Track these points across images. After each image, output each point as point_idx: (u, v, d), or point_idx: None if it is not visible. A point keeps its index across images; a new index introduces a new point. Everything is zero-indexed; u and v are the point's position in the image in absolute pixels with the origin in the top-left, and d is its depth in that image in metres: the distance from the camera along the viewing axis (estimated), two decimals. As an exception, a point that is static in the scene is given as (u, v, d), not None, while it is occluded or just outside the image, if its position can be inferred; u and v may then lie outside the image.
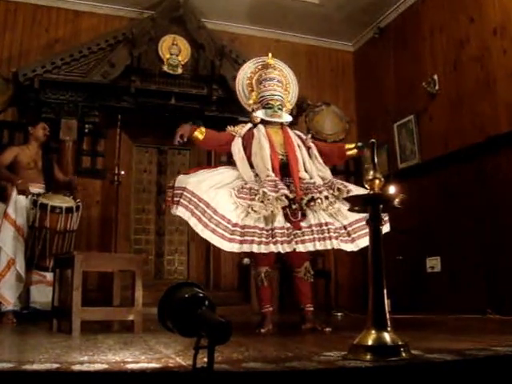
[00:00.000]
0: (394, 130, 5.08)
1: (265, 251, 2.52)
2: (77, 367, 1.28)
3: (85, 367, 1.28)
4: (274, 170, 2.72)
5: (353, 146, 3.00)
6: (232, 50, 4.95)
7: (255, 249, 2.50)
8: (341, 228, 2.63)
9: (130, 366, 1.32)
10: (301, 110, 5.19)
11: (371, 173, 1.59)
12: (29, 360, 1.43)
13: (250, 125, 2.96)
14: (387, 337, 1.46)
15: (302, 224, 2.59)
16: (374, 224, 1.58)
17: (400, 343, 1.44)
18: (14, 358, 1.53)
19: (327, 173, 2.90)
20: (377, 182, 1.58)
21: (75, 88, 4.47)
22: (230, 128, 2.98)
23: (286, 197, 2.60)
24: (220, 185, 2.64)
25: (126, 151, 4.99)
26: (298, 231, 2.56)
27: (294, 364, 1.36)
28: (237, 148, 2.87)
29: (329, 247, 2.58)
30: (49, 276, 3.50)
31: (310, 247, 2.56)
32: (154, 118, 4.88)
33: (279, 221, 2.56)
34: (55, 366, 1.30)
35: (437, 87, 4.57)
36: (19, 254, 3.39)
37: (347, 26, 5.48)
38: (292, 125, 5.17)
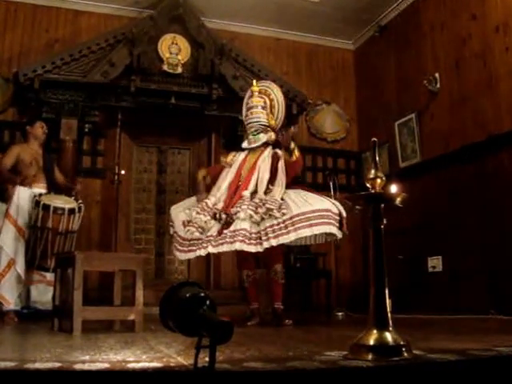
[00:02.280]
0: (394, 129, 5.07)
1: (193, 256, 3.12)
2: (78, 366, 1.28)
3: (86, 366, 1.28)
4: (230, 187, 3.26)
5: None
6: (232, 48, 4.95)
7: (183, 257, 3.16)
8: (255, 233, 3.01)
9: (131, 366, 1.32)
10: (301, 109, 5.19)
11: (372, 172, 1.58)
12: (31, 359, 1.43)
13: (239, 152, 3.44)
14: (389, 336, 1.45)
15: (225, 231, 3.04)
16: (375, 223, 1.58)
17: (401, 343, 1.44)
18: (16, 357, 1.52)
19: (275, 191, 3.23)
20: (378, 180, 1.57)
21: (75, 88, 4.47)
22: (223, 161, 3.49)
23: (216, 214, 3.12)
24: (183, 207, 3.31)
25: (126, 151, 4.99)
26: (218, 237, 3.04)
27: (295, 364, 1.35)
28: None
29: (232, 249, 3.01)
30: (49, 275, 3.50)
31: (215, 250, 3.02)
32: (154, 117, 4.88)
33: (213, 230, 3.06)
34: (57, 365, 1.30)
35: (438, 85, 4.56)
36: (19, 255, 3.38)
37: (347, 24, 5.47)
38: (292, 124, 5.22)
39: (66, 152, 4.41)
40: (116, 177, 4.38)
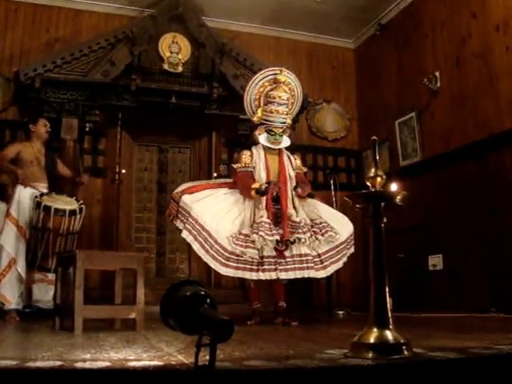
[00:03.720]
0: (395, 128, 5.07)
1: (255, 278, 2.95)
2: (80, 365, 1.29)
3: (87, 365, 1.29)
4: (266, 199, 3.05)
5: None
6: (232, 47, 4.95)
7: (247, 275, 2.94)
8: (315, 257, 3.04)
9: (132, 364, 1.32)
10: (302, 108, 5.18)
11: (373, 170, 1.58)
12: (32, 358, 1.43)
13: (253, 150, 3.22)
14: (389, 335, 1.46)
15: (286, 253, 2.98)
16: (375, 222, 1.58)
17: (402, 341, 1.44)
18: (18, 356, 1.53)
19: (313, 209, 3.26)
20: (378, 179, 1.57)
21: (76, 87, 4.47)
22: (241, 166, 3.20)
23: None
24: (222, 214, 3.01)
25: (127, 150, 4.99)
26: (282, 260, 2.96)
27: (295, 362, 1.36)
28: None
29: (305, 276, 3.00)
30: (50, 275, 3.50)
31: (291, 275, 2.97)
32: (155, 116, 4.88)
33: (267, 251, 2.96)
34: (58, 363, 1.31)
35: (438, 84, 4.55)
36: (20, 254, 3.38)
37: (348, 23, 5.47)
38: (293, 123, 5.21)
39: (67, 151, 4.41)
40: (117, 176, 4.38)
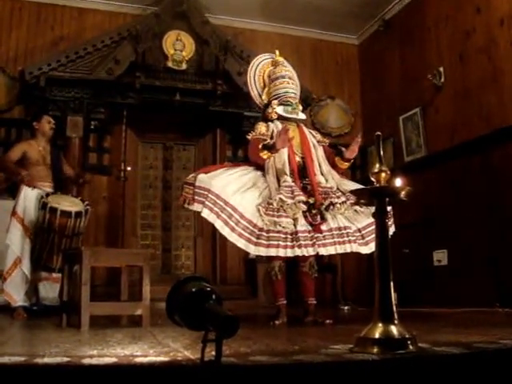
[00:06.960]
0: (399, 123, 5.05)
1: (291, 255, 2.62)
2: (87, 361, 1.30)
3: (94, 361, 1.30)
4: (292, 172, 2.81)
5: (340, 160, 2.94)
6: (236, 44, 4.95)
7: (282, 253, 2.59)
8: (356, 231, 2.74)
9: (138, 360, 1.33)
10: (306, 105, 5.18)
11: (377, 166, 1.58)
12: (40, 354, 1.44)
13: (269, 123, 2.97)
14: (394, 330, 1.46)
15: (323, 227, 2.68)
16: (379, 217, 1.58)
17: (407, 336, 1.45)
18: (26, 352, 1.55)
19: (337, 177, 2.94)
20: (383, 174, 1.57)
21: (81, 85, 4.49)
22: (256, 134, 2.92)
23: (305, 202, 2.69)
24: (245, 188, 2.72)
25: (132, 147, 5.01)
26: (319, 234, 2.65)
27: (300, 357, 1.36)
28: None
29: (348, 250, 2.69)
30: (54, 274, 3.52)
31: (331, 251, 2.66)
32: (159, 113, 4.90)
33: (302, 224, 2.65)
34: (65, 359, 1.32)
35: (442, 79, 4.53)
36: (25, 254, 3.38)
37: (352, 19, 5.44)
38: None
39: (72, 149, 4.43)
40: (122, 173, 4.40)
